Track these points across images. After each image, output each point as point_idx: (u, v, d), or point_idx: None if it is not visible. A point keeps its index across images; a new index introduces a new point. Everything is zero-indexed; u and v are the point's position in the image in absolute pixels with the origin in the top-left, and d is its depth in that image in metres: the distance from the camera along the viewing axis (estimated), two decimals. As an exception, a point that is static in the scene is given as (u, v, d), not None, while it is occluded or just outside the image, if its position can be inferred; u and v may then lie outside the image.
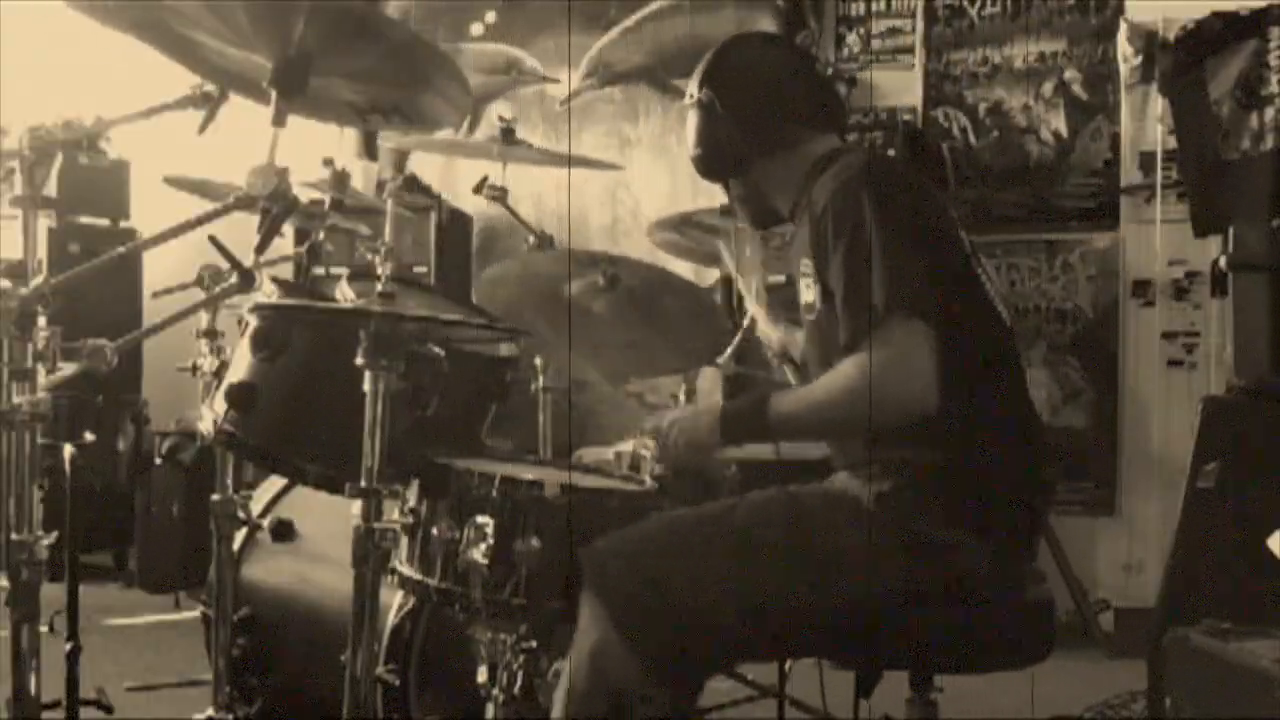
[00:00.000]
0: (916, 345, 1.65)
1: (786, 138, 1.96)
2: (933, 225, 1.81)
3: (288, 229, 2.18)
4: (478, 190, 3.06)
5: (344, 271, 2.43)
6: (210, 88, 1.91)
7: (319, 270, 3.40)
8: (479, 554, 1.91)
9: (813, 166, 1.93)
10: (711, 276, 4.46)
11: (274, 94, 1.71)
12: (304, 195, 2.16)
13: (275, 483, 2.80)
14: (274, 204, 1.69)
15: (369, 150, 5.01)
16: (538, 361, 2.96)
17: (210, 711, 2.58)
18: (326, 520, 2.59)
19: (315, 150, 2.99)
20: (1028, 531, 1.89)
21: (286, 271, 3.11)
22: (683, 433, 1.87)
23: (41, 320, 1.67)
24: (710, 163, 2.01)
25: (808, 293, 1.91)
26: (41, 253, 1.83)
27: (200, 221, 1.72)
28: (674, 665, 1.74)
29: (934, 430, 1.73)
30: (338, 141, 4.62)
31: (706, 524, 1.80)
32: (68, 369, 1.71)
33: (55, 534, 1.74)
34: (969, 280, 1.85)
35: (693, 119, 2.00)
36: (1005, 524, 1.80)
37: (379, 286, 2.10)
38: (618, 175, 5.00)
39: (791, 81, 2.02)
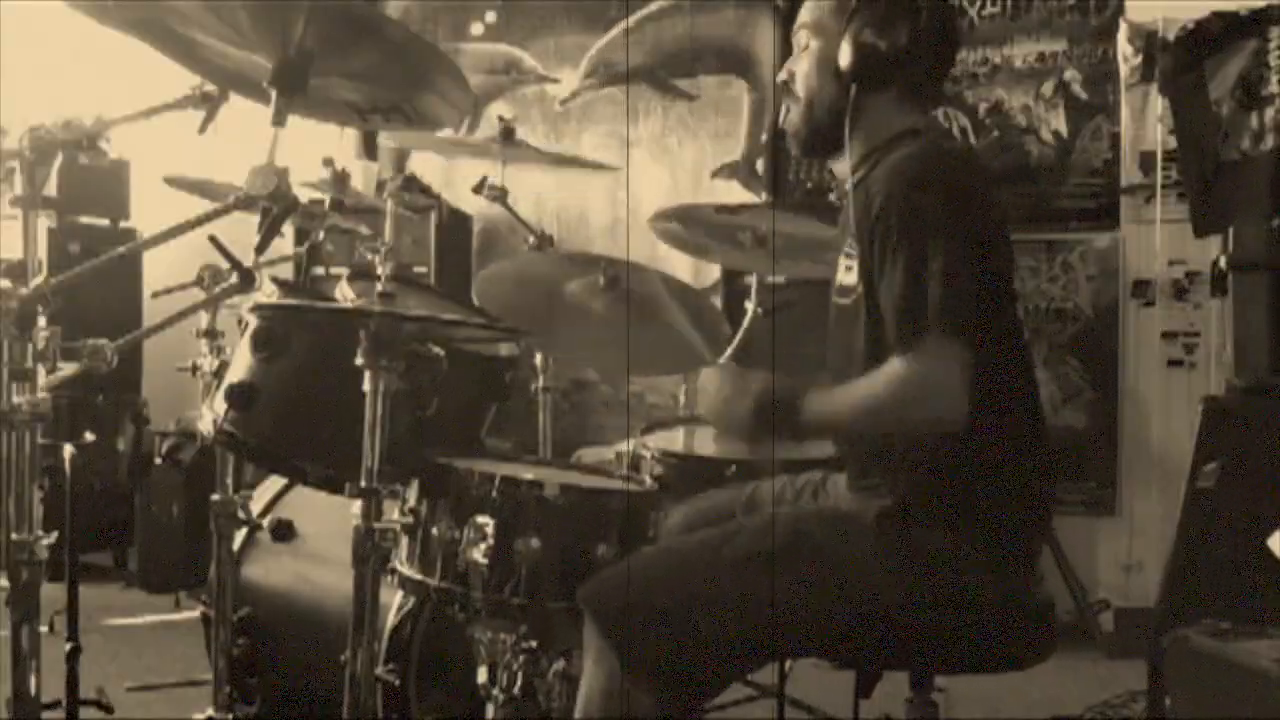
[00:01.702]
0: (955, 362, 1.64)
1: (899, 81, 1.87)
2: (991, 236, 1.77)
3: (288, 229, 2.18)
4: (478, 190, 3.06)
5: (344, 271, 2.43)
6: (210, 88, 1.91)
7: (319, 270, 3.40)
8: (479, 554, 1.91)
9: (892, 137, 1.85)
10: (711, 276, 4.47)
11: (274, 94, 1.71)
12: (304, 195, 2.16)
13: (275, 483, 2.80)
14: (274, 204, 1.69)
15: (369, 150, 5.01)
16: (537, 361, 2.96)
17: (210, 711, 2.59)
18: (326, 520, 2.60)
19: (315, 150, 2.99)
20: (1032, 541, 1.88)
21: (286, 271, 3.10)
22: (724, 408, 1.81)
23: (41, 320, 1.67)
24: (878, 61, 1.84)
25: (847, 275, 1.86)
26: (41, 253, 1.82)
27: (200, 221, 1.72)
28: (684, 692, 1.74)
29: (945, 447, 1.72)
30: (338, 141, 4.62)
31: (707, 552, 1.78)
32: (68, 369, 1.70)
33: (55, 534, 1.74)
34: (1007, 294, 1.83)
35: (884, 9, 1.84)
36: (1010, 535, 1.80)
37: (379, 286, 2.10)
38: (618, 175, 4.99)
39: (934, 27, 1.90)
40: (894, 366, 1.69)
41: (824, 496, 2.00)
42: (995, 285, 1.76)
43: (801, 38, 1.95)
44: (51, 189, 3.75)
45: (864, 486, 1.84)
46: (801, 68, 1.94)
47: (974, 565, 1.73)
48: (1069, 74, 4.48)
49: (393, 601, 2.31)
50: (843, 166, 1.93)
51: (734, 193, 4.86)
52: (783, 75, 1.96)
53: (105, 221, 4.83)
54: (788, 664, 2.73)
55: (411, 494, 2.03)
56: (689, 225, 2.99)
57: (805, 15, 1.94)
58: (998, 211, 1.85)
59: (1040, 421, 1.91)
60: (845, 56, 1.85)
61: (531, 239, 3.04)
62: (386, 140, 4.77)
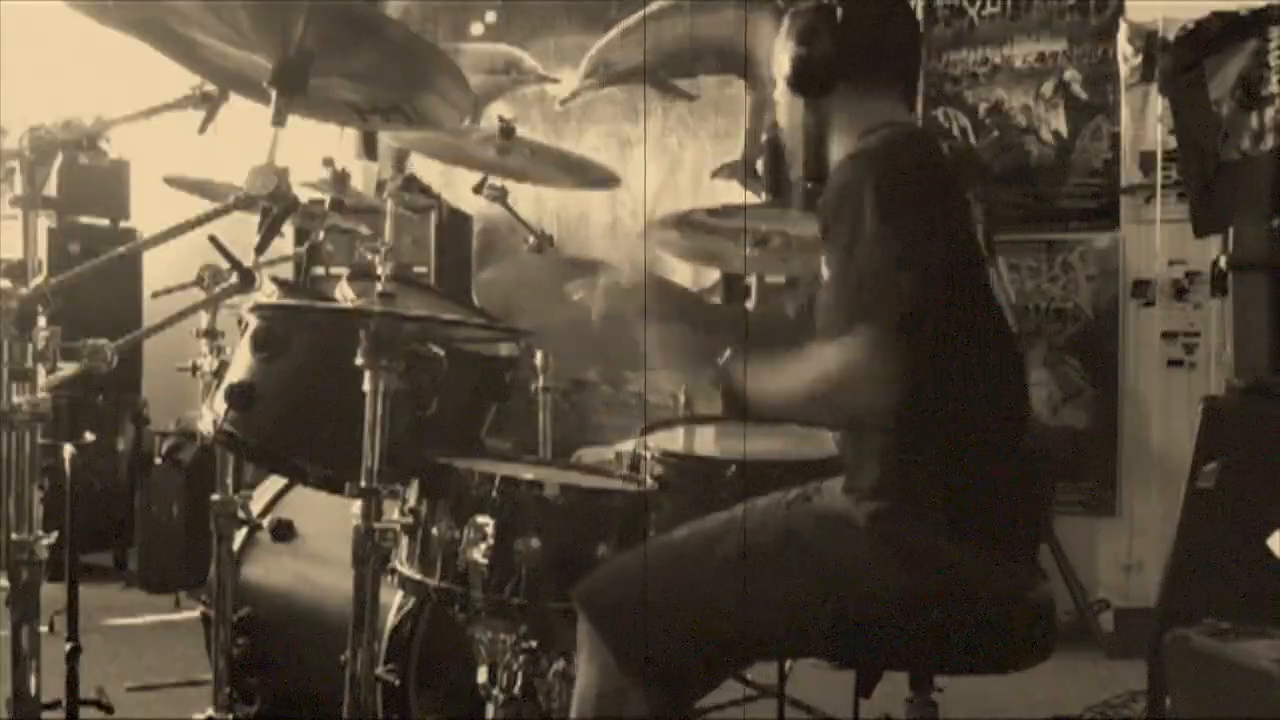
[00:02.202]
0: (878, 352, 1.63)
1: (875, 79, 1.91)
2: (937, 226, 1.75)
3: (288, 229, 2.18)
4: (478, 190, 3.06)
5: (344, 271, 2.43)
6: (210, 88, 1.91)
7: (319, 270, 3.41)
8: (479, 554, 1.91)
9: (864, 131, 1.87)
10: (711, 277, 4.47)
11: (274, 94, 1.71)
12: (304, 195, 2.16)
13: (275, 483, 2.80)
14: (274, 204, 1.69)
15: (369, 150, 5.01)
16: (537, 361, 2.96)
17: (210, 711, 2.59)
18: (326, 520, 2.60)
19: (315, 150, 2.99)
20: (1028, 538, 1.88)
21: (286, 271, 3.11)
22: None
23: (41, 320, 1.67)
24: (811, 69, 1.89)
25: (825, 268, 1.86)
26: (41, 253, 1.82)
27: (200, 221, 1.72)
28: (677, 688, 1.75)
29: (930, 444, 1.73)
30: (338, 141, 4.61)
31: (700, 548, 1.78)
32: (68, 369, 1.70)
33: (55, 534, 1.74)
34: (976, 287, 1.82)
35: (806, 20, 1.90)
36: (1005, 533, 1.79)
37: (379, 286, 2.10)
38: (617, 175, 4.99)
39: (903, 25, 1.98)
40: (816, 358, 1.69)
41: (817, 499, 2.00)
42: (950, 279, 1.73)
43: (775, 80, 1.99)
44: (51, 189, 3.75)
45: (858, 487, 1.84)
46: (779, 111, 2.00)
47: (969, 565, 1.73)
48: (1069, 74, 4.48)
49: (393, 601, 2.31)
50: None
51: (734, 193, 4.86)
52: (773, 125, 2.03)
53: (105, 221, 4.84)
54: (788, 664, 2.73)
55: (411, 494, 2.03)
56: (686, 232, 2.99)
57: (773, 69, 2.00)
58: (949, 205, 1.82)
59: (1026, 418, 1.90)
60: (783, 72, 1.92)
61: (531, 239, 3.04)
62: (391, 140, 4.78)
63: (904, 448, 1.76)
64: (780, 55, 1.94)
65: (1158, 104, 4.24)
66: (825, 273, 1.84)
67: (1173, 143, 4.17)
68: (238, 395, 2.10)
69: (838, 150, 1.92)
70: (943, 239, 1.75)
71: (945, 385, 1.73)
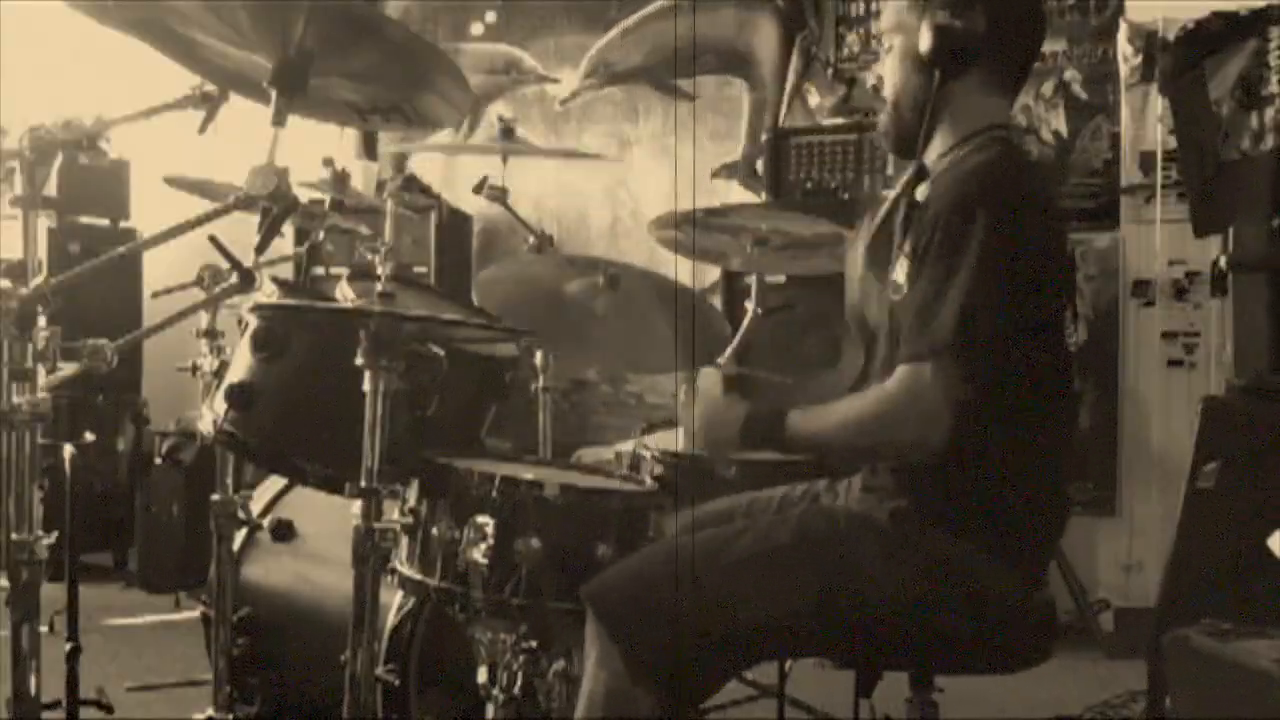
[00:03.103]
0: (937, 391, 1.64)
1: (1004, 68, 1.86)
2: (1041, 262, 1.74)
3: (288, 229, 2.18)
4: (478, 190, 3.06)
5: (344, 271, 2.43)
6: (210, 88, 1.91)
7: (319, 270, 3.41)
8: (479, 554, 1.91)
9: (975, 132, 1.83)
10: (711, 276, 4.47)
11: (274, 94, 1.71)
12: (304, 195, 2.16)
13: (275, 483, 2.80)
14: (274, 204, 1.69)
15: (369, 150, 5.01)
16: (537, 361, 2.96)
17: (210, 711, 2.59)
18: (326, 520, 2.60)
19: (315, 150, 2.99)
20: (1048, 546, 1.89)
21: (286, 271, 3.10)
22: (708, 426, 1.85)
23: (41, 320, 1.67)
24: (957, 42, 1.80)
25: (899, 272, 1.83)
26: (41, 253, 1.82)
27: (200, 221, 1.72)
28: (685, 689, 1.74)
29: (958, 458, 1.70)
30: (338, 141, 4.62)
31: (713, 551, 1.77)
32: (68, 369, 1.71)
33: (55, 534, 1.74)
34: (1055, 327, 1.81)
35: None
36: (1027, 541, 1.79)
37: (379, 286, 2.10)
38: (618, 175, 4.99)
39: (1037, 14, 1.93)
40: (884, 387, 1.69)
41: (828, 498, 2.00)
42: (1035, 310, 1.73)
43: (885, 41, 1.94)
44: (51, 189, 3.75)
45: (876, 487, 1.84)
46: (886, 70, 1.92)
47: (985, 568, 1.73)
48: (1069, 74, 4.48)
49: (393, 601, 2.31)
50: (931, 158, 1.89)
51: (734, 193, 4.86)
52: (872, 81, 1.99)
53: (105, 221, 4.84)
54: (788, 664, 2.73)
55: (411, 494, 2.03)
56: (686, 230, 2.99)
57: (886, 19, 1.94)
58: (1042, 244, 1.79)
59: (1069, 438, 1.90)
60: (925, 41, 1.82)
61: (531, 239, 3.04)
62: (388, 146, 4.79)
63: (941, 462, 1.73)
64: (908, 18, 1.86)
65: (1158, 104, 4.23)
66: (901, 276, 1.80)
67: (1173, 143, 4.16)
68: (238, 395, 2.10)
69: (945, 137, 1.87)
70: (1035, 282, 1.73)
71: (996, 415, 1.70)
